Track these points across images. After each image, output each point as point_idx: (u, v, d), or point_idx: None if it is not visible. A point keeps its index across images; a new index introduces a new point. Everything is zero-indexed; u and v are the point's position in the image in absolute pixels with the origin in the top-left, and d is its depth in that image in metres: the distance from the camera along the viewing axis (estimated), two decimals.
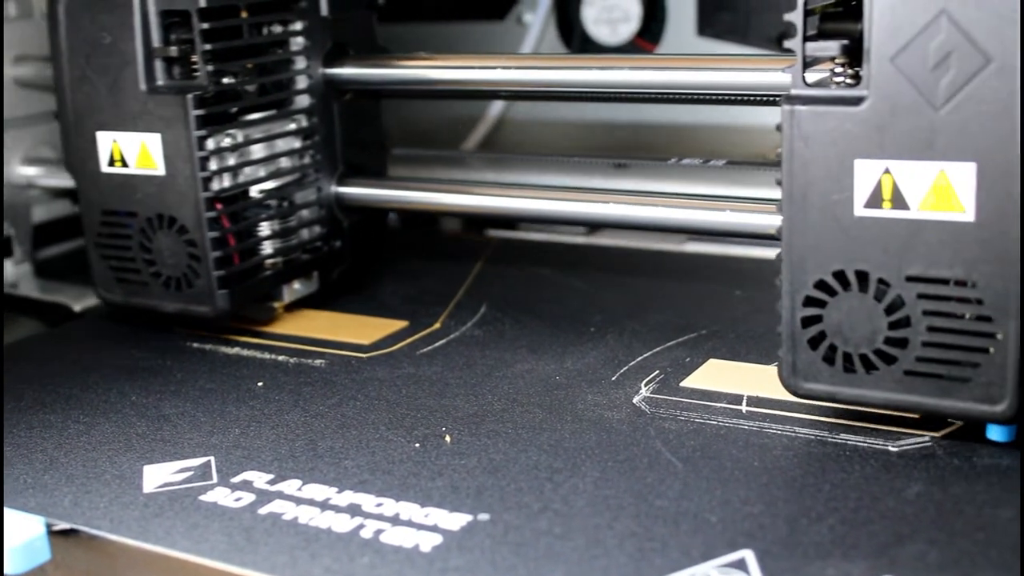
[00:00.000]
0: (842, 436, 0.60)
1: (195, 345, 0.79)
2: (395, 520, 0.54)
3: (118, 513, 0.56)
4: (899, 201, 0.55)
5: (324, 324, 0.82)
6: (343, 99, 0.84)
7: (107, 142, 0.76)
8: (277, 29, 0.80)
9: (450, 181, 0.87)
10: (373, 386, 0.71)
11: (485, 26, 1.14)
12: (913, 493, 0.54)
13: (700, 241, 0.95)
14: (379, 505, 0.56)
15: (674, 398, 0.66)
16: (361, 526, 0.54)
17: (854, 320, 0.58)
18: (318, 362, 0.75)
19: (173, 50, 0.73)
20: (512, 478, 0.58)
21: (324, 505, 0.56)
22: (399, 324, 0.81)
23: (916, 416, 0.61)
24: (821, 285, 0.58)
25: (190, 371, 0.75)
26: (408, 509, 0.55)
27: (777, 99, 0.58)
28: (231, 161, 0.77)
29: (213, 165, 0.75)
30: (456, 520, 0.54)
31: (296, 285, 0.84)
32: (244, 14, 0.76)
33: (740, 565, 0.49)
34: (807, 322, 0.59)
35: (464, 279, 0.91)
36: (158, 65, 0.74)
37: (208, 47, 0.73)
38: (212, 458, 0.62)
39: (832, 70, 0.58)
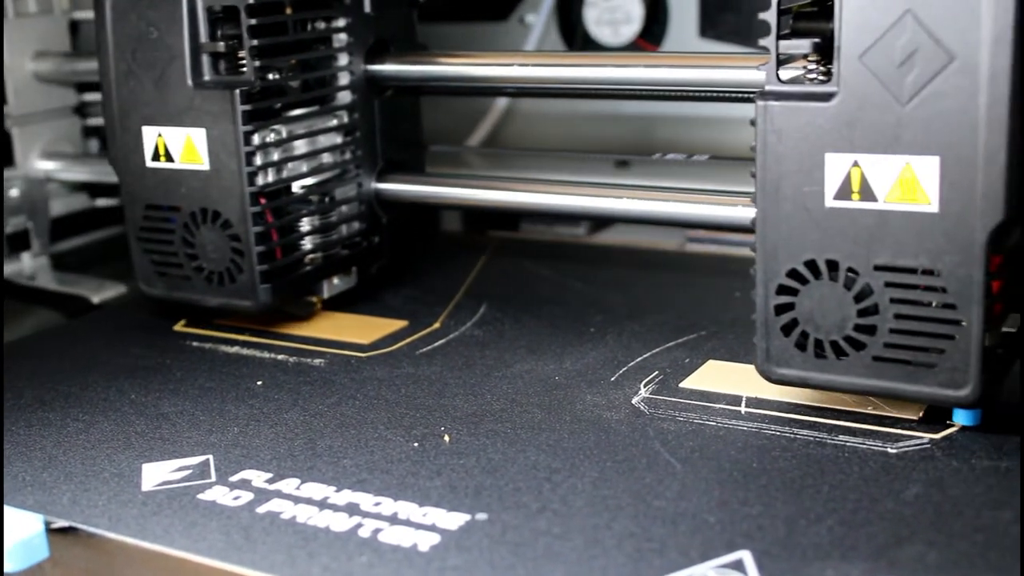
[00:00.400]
0: (841, 437, 0.60)
1: (195, 344, 0.79)
2: (393, 519, 0.54)
3: (116, 511, 0.56)
4: (867, 193, 0.57)
5: (324, 323, 0.82)
6: (384, 95, 0.85)
7: (152, 137, 0.77)
8: (321, 25, 0.80)
9: (488, 177, 0.87)
10: (372, 385, 0.71)
11: (488, 27, 1.14)
12: (912, 494, 0.54)
13: (700, 242, 0.95)
14: (377, 504, 0.56)
15: (673, 399, 0.66)
16: (359, 525, 0.54)
17: (825, 308, 0.59)
18: (317, 361, 0.75)
19: (220, 45, 0.74)
20: (510, 478, 0.58)
21: (322, 504, 0.56)
22: (399, 324, 0.81)
23: (915, 417, 0.61)
24: (793, 274, 0.60)
25: (189, 370, 0.75)
26: (406, 508, 0.55)
27: (752, 95, 0.60)
28: (275, 156, 0.77)
29: (258, 160, 0.75)
30: (454, 520, 0.54)
31: (335, 280, 0.84)
32: (289, 10, 0.77)
33: (738, 566, 0.49)
34: (780, 310, 0.61)
35: (464, 279, 0.91)
36: (205, 60, 0.75)
37: (255, 43, 0.73)
38: (211, 457, 0.62)
39: (805, 67, 0.60)
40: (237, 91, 0.73)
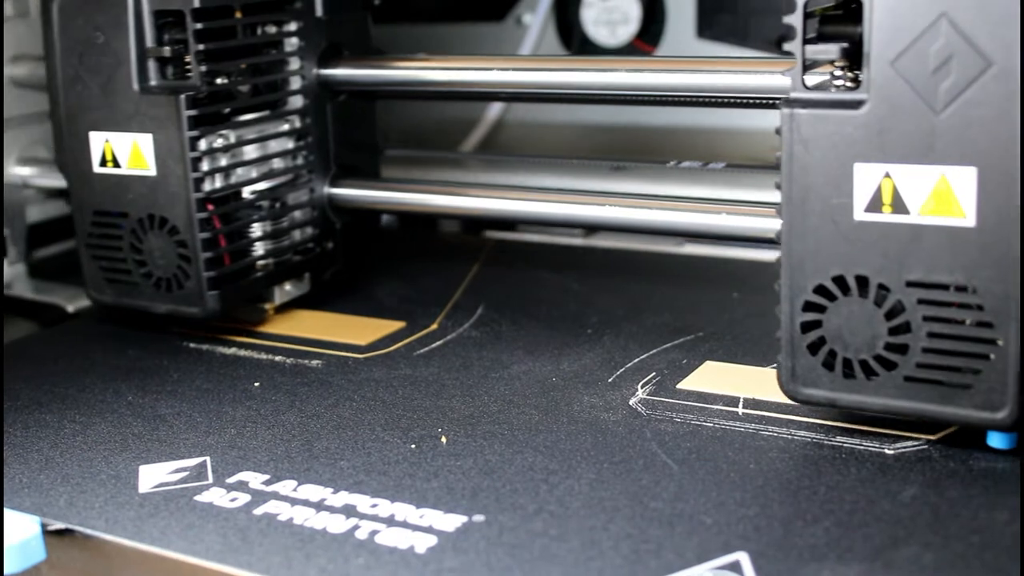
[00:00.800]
0: (838, 439, 0.60)
1: (192, 345, 0.79)
2: (390, 521, 0.54)
3: (113, 513, 0.56)
4: (899, 205, 0.55)
5: (321, 325, 0.82)
6: (337, 100, 0.84)
7: (99, 142, 0.76)
8: (271, 30, 0.79)
9: (443, 183, 0.86)
10: (369, 387, 0.71)
11: (484, 27, 1.14)
12: (909, 496, 0.54)
13: (697, 243, 0.95)
14: (374, 506, 0.56)
15: (670, 400, 0.66)
16: (356, 527, 0.54)
17: (854, 325, 0.57)
18: (315, 363, 0.75)
19: (166, 50, 0.73)
20: (508, 479, 0.58)
21: (319, 506, 0.56)
22: (396, 325, 0.81)
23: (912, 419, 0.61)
24: (821, 290, 0.58)
25: (186, 371, 0.75)
26: (403, 510, 0.55)
27: (776, 102, 0.58)
28: (223, 162, 0.76)
29: (205, 166, 0.75)
30: (451, 521, 0.54)
31: (287, 287, 0.84)
32: (238, 14, 0.76)
33: (735, 567, 0.49)
34: (807, 327, 0.59)
35: (461, 280, 0.91)
36: (151, 65, 0.74)
37: (202, 47, 0.73)
38: (208, 458, 0.62)
39: (832, 73, 0.58)
40: (182, 96, 0.72)
